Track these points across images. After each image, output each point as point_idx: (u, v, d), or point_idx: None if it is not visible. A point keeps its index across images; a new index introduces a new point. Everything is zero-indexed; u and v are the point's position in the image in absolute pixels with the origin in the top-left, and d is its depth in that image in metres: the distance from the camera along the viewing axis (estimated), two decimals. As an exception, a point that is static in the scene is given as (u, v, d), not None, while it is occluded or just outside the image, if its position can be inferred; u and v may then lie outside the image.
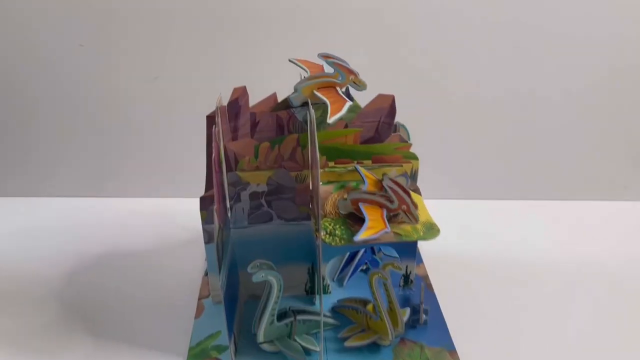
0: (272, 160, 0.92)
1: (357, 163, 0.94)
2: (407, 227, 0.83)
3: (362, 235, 0.78)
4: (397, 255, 1.11)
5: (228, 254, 0.92)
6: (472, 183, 1.37)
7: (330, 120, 0.79)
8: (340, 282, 1.09)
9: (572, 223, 1.29)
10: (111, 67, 1.26)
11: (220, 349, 0.95)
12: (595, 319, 1.00)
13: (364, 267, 1.12)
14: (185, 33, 1.21)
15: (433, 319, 0.99)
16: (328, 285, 1.06)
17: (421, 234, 0.82)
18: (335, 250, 1.01)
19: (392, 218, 0.85)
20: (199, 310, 1.03)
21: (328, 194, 0.92)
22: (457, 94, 1.27)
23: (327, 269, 1.07)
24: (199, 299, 1.06)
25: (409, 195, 0.83)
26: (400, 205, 0.83)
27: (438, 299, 1.04)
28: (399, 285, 1.07)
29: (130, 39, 1.23)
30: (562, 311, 1.02)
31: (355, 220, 0.85)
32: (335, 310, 1.01)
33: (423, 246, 1.19)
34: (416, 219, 0.84)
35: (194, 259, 1.17)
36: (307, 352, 0.91)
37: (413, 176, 0.95)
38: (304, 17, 1.18)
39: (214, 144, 0.82)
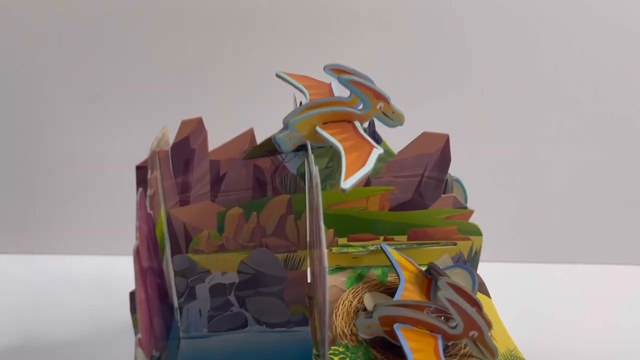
0: (246, 235, 0.57)
1: (385, 240, 0.59)
2: (477, 365, 0.48)
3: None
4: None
5: (172, 389, 0.56)
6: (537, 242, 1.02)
7: (346, 184, 0.43)
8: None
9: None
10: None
11: None
12: None
13: None
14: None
15: None
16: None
17: (504, 382, 0.47)
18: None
19: (449, 347, 0.50)
20: None
21: (338, 294, 0.57)
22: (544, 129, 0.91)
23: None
24: None
25: (480, 310, 0.48)
26: (467, 331, 0.47)
27: None
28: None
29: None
30: None
31: (386, 347, 0.50)
32: None
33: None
34: (494, 354, 0.48)
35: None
36: None
37: (473, 259, 0.60)
38: (304, 7, 0.81)
39: (139, 215, 0.47)
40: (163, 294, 0.55)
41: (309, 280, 0.59)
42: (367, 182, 0.56)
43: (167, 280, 0.57)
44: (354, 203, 0.57)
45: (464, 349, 0.50)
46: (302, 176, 0.55)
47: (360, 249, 0.59)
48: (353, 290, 0.56)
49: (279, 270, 0.59)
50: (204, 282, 0.59)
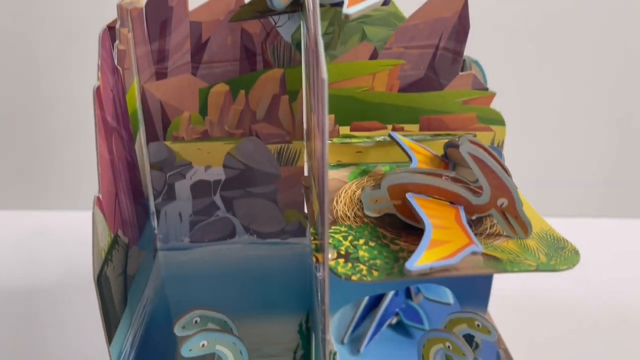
0: (233, 120, 0.49)
1: (393, 130, 0.51)
2: (509, 245, 0.40)
3: (424, 259, 0.34)
4: (450, 302, 0.67)
5: (145, 298, 0.48)
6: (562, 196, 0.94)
7: (350, 9, 0.36)
8: (353, 346, 0.64)
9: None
10: None
11: None
12: None
13: (394, 321, 0.67)
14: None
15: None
16: (335, 354, 0.61)
17: (543, 259, 0.38)
18: (350, 292, 0.57)
19: (474, 225, 0.42)
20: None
21: (339, 186, 0.49)
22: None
23: (333, 324, 0.63)
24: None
25: (511, 180, 0.40)
26: (494, 198, 0.39)
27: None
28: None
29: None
30: None
31: (398, 228, 0.41)
32: (348, 401, 0.57)
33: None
34: (527, 229, 0.40)
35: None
36: None
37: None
38: None
39: (102, 54, 0.39)
40: (136, 187, 0.47)
41: (305, 174, 0.51)
42: (373, 54, 0.49)
43: (142, 175, 0.50)
44: (359, 81, 0.49)
45: (491, 228, 0.42)
46: (298, 45, 0.48)
47: (366, 139, 0.51)
48: (357, 182, 0.48)
49: (271, 166, 0.51)
50: (184, 178, 0.51)
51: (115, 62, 0.42)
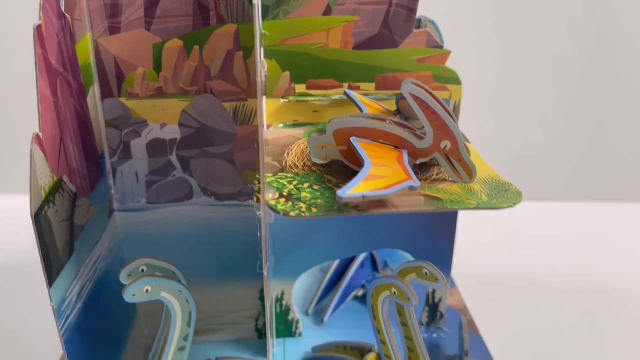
0: (188, 76, 0.49)
1: (350, 88, 0.51)
2: (453, 188, 0.40)
3: (358, 188, 0.34)
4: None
5: (97, 253, 0.48)
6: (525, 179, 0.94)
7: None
8: (318, 318, 0.64)
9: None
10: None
11: None
12: None
13: (359, 293, 0.67)
14: None
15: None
16: (296, 322, 0.61)
17: (485, 199, 0.38)
18: (311, 257, 0.57)
19: (420, 173, 0.42)
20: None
21: (293, 142, 0.49)
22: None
23: (295, 293, 0.62)
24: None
25: (455, 122, 0.40)
26: (437, 141, 0.39)
27: (488, 347, 0.59)
28: (421, 323, 0.62)
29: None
30: None
31: (345, 175, 0.41)
32: (308, 368, 0.56)
33: (456, 262, 0.74)
34: (471, 172, 0.40)
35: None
36: None
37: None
38: None
39: (43, 19, 0.39)
40: (89, 141, 0.47)
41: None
42: (327, 10, 0.49)
43: (97, 132, 0.50)
44: (313, 37, 0.49)
45: (437, 175, 0.42)
46: (251, 0, 0.48)
47: (322, 98, 0.51)
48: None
49: (227, 125, 0.51)
50: (140, 136, 0.51)
51: (62, 9, 0.42)
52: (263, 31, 0.48)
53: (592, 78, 0.90)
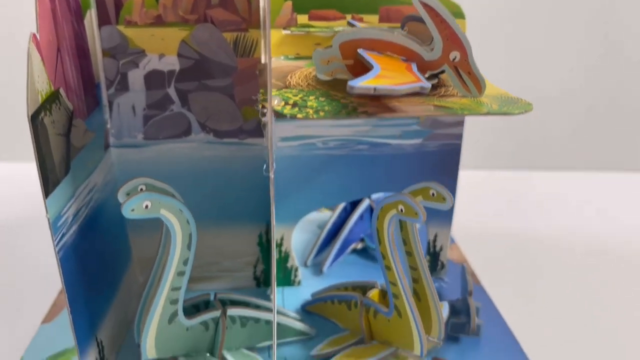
0: (187, 4, 0.48)
1: (353, 19, 0.50)
2: (462, 101, 0.39)
3: (369, 81, 0.33)
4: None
5: (93, 182, 0.46)
6: (521, 150, 0.93)
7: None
8: (317, 269, 0.63)
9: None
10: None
11: (75, 378, 0.47)
12: None
13: (358, 246, 0.66)
14: None
15: (488, 326, 0.53)
16: (295, 270, 0.60)
17: (495, 107, 0.37)
18: (313, 199, 0.55)
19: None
20: (56, 308, 0.56)
21: (296, 69, 0.47)
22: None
23: (294, 244, 0.61)
24: (60, 292, 0.59)
25: (464, 34, 0.39)
26: (447, 52, 0.38)
27: (490, 295, 0.58)
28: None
29: None
30: None
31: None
32: (308, 311, 0.55)
33: (455, 223, 0.73)
34: (480, 85, 0.39)
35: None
36: (246, 382, 0.45)
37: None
38: None
39: None
40: (85, 68, 0.46)
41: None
42: None
43: (94, 61, 0.48)
44: (315, -35, 0.49)
45: (445, 93, 0.41)
46: None
47: (325, 29, 0.50)
48: (313, 67, 0.47)
49: (227, 57, 0.50)
50: (137, 67, 0.49)
51: None
52: (265, -43, 0.47)
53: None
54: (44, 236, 0.68)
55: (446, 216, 0.58)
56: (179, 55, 0.49)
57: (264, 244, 0.57)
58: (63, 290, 0.40)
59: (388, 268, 0.43)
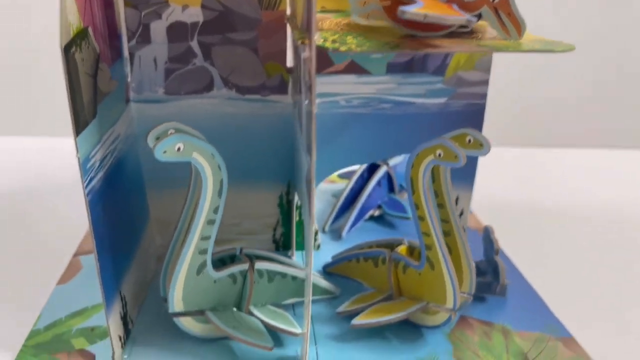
0: (213, -48, 0.47)
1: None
2: (503, 42, 0.38)
3: (420, 8, 0.32)
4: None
5: (117, 132, 0.45)
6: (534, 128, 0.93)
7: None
8: (334, 235, 0.62)
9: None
10: None
11: (96, 334, 0.46)
12: None
13: (376, 213, 0.65)
14: None
15: (514, 287, 0.53)
16: (315, 233, 0.59)
17: (537, 46, 0.37)
18: (328, 153, 0.54)
19: (462, 34, 0.40)
20: (71, 270, 0.54)
21: (324, 19, 0.46)
22: None
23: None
24: (75, 254, 0.57)
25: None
26: (485, -8, 0.37)
27: (511, 258, 0.58)
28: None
29: None
30: None
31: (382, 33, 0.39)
32: (330, 273, 0.54)
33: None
34: (520, 27, 0.38)
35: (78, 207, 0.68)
36: (274, 336, 0.44)
37: None
38: None
39: None
40: (110, 18, 0.45)
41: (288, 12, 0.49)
42: None
43: (116, 12, 0.47)
44: None
45: (482, 36, 0.40)
46: None
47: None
48: (342, 18, 0.46)
49: (252, 9, 0.49)
50: (160, 18, 0.48)
51: None
52: None
53: None
54: (58, 204, 0.67)
55: (468, 179, 0.58)
56: (203, 6, 0.48)
57: (285, 205, 0.56)
58: (91, 237, 0.39)
59: (421, 218, 0.43)
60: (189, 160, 0.39)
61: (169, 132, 0.40)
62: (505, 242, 0.60)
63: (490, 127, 0.56)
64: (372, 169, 0.65)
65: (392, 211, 0.64)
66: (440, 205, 0.44)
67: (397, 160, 0.66)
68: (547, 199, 0.75)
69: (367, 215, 0.64)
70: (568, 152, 0.91)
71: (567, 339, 0.47)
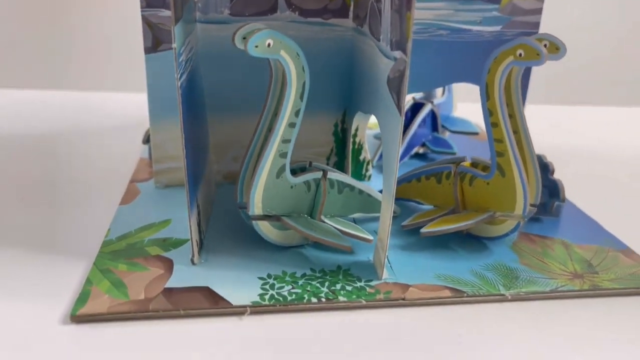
0: None
1: None
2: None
3: None
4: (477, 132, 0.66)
5: (192, 42, 0.46)
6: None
7: None
8: (380, 170, 0.63)
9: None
10: None
11: (168, 243, 0.46)
12: None
13: (420, 150, 0.66)
14: None
15: (567, 211, 0.54)
16: (367, 164, 0.60)
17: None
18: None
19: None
20: (130, 195, 0.55)
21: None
22: None
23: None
24: (132, 181, 0.58)
25: None
26: None
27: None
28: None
29: None
30: None
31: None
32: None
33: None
34: None
35: (126, 146, 0.69)
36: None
37: None
38: None
39: None
40: None
41: None
42: None
43: None
44: None
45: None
46: None
47: None
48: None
49: None
50: None
51: None
52: None
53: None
54: (109, 143, 0.68)
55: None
56: None
57: (339, 134, 0.57)
58: (180, 132, 0.39)
59: (495, 125, 0.44)
60: (277, 57, 0.40)
61: (256, 30, 0.41)
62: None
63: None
64: (416, 107, 0.66)
65: (436, 148, 0.65)
66: (510, 116, 0.45)
67: (442, 100, 0.67)
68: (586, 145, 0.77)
69: (412, 152, 0.65)
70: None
71: (626, 250, 0.48)
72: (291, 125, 0.42)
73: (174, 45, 0.37)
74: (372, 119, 0.55)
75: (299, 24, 0.53)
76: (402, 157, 0.63)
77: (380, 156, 0.64)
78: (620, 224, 0.52)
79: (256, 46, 0.39)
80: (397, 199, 0.54)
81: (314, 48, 0.53)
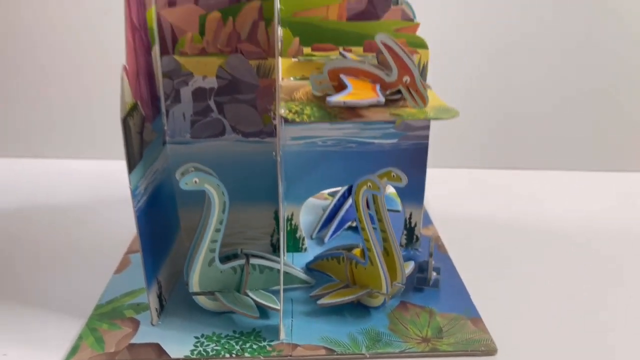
0: (224, 39, 0.67)
1: (344, 50, 0.68)
2: (411, 110, 0.56)
3: (340, 97, 0.51)
4: (398, 209, 0.83)
5: (155, 168, 0.65)
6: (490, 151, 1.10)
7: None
8: (319, 241, 0.80)
9: (588, 192, 1.01)
10: None
11: (140, 307, 0.66)
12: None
13: (353, 224, 0.83)
14: None
15: (447, 282, 0.70)
16: (302, 239, 0.78)
17: (431, 114, 0.55)
18: (310, 186, 0.73)
19: (388, 102, 0.58)
20: (123, 264, 0.75)
21: (300, 87, 0.66)
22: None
23: (303, 222, 0.79)
24: (126, 253, 0.78)
25: (414, 63, 0.56)
26: (400, 76, 0.56)
27: (453, 261, 0.76)
28: (401, 245, 0.78)
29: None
30: (584, 274, 0.73)
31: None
32: (310, 269, 0.72)
33: (432, 208, 0.91)
34: (424, 99, 0.56)
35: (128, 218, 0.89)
36: (262, 311, 0.62)
37: (421, 72, 0.68)
38: None
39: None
40: (152, 86, 0.65)
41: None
42: (325, -9, 0.66)
43: (157, 81, 0.67)
44: (316, 11, 0.67)
45: (400, 105, 0.58)
46: (271, -16, 0.65)
47: (323, 57, 0.68)
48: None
49: (252, 77, 0.68)
50: (187, 85, 0.68)
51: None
52: (280, 6, 0.65)
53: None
54: (111, 215, 0.88)
55: (418, 199, 0.76)
56: (217, 76, 0.68)
57: (279, 218, 0.75)
58: (138, 240, 0.58)
59: (363, 229, 0.61)
60: (203, 189, 0.59)
61: (190, 170, 0.60)
62: (455, 247, 0.77)
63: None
64: (352, 189, 0.83)
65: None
66: (379, 220, 0.62)
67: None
68: (498, 215, 0.92)
69: (345, 226, 0.82)
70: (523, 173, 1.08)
71: (475, 319, 0.64)
72: (217, 230, 0.61)
73: (130, 186, 0.56)
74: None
75: (242, 142, 0.71)
76: (336, 230, 0.81)
77: (320, 229, 0.82)
78: (487, 294, 0.68)
79: (186, 183, 0.58)
80: (315, 271, 0.72)
81: (254, 157, 0.72)
